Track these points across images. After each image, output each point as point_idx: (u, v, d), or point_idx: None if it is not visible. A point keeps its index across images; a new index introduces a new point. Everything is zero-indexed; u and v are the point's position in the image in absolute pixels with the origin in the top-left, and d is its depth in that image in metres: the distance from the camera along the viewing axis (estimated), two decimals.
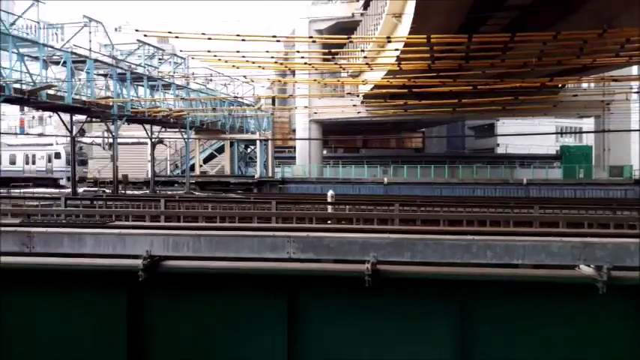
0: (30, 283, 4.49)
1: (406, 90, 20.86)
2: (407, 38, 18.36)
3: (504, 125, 52.30)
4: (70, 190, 25.61)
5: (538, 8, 20.58)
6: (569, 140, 55.90)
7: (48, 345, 4.45)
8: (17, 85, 20.36)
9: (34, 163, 37.14)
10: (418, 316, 4.35)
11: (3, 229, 4.76)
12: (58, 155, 36.94)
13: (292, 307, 4.33)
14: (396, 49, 19.37)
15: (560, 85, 31.86)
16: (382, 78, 23.45)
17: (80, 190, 27.17)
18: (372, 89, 27.26)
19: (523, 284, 4.34)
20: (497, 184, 36.76)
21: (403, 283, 4.34)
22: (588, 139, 48.49)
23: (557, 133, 53.64)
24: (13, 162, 37.43)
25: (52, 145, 37.97)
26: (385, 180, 38.13)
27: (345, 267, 4.36)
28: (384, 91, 24.45)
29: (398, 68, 18.56)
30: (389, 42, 20.72)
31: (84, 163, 38.23)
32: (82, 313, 4.47)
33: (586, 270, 4.24)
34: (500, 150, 55.74)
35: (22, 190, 27.21)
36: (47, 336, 4.46)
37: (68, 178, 34.98)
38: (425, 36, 16.12)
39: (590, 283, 4.11)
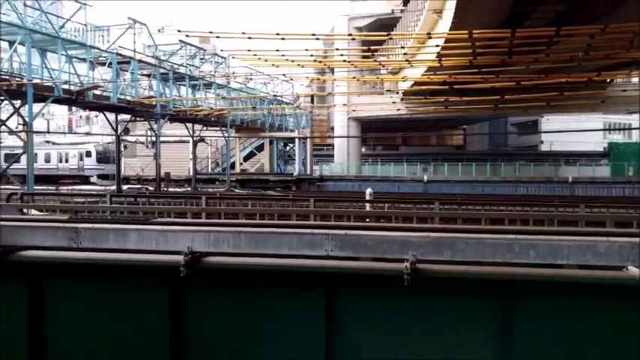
0: (77, 278, 4.64)
1: (447, 86, 20.56)
2: (448, 34, 18.11)
3: (549, 122, 50.87)
4: (97, 187, 26.39)
5: (585, 1, 19.93)
6: (618, 137, 53.92)
7: (92, 339, 4.60)
8: (66, 86, 21.08)
9: (67, 161, 38.38)
10: (458, 315, 4.29)
11: (52, 224, 4.93)
12: (88, 154, 38.18)
13: (330, 305, 4.34)
14: (437, 45, 19.11)
15: (608, 80, 30.76)
16: (422, 74, 23.20)
17: (125, 187, 27.93)
18: (411, 86, 27.01)
19: (567, 285, 4.21)
20: (541, 183, 35.84)
21: (443, 283, 4.28)
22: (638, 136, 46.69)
23: (604, 129, 51.84)
24: (47, 160, 38.78)
25: (83, 144, 39.27)
26: (425, 178, 37.72)
27: (384, 265, 4.33)
28: (424, 87, 24.17)
29: (438, 65, 18.34)
30: (429, 38, 20.46)
31: (114, 161, 39.39)
32: (125, 307, 4.59)
33: (634, 271, 4.09)
34: (544, 147, 54.29)
35: (69, 188, 28.18)
36: (91, 330, 4.61)
37: (98, 176, 36.26)
38: (466, 31, 15.85)
39: (639, 285, 3.96)
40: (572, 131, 32.28)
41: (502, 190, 33.81)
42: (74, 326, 4.62)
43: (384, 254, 4.35)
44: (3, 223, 5.00)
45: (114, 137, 27.96)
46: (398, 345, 4.30)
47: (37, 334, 4.54)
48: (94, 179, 36.46)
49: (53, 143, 41.35)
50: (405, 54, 22.97)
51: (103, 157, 38.27)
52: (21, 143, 19.94)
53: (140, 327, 4.54)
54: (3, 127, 20.33)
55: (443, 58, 18.01)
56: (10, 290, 4.62)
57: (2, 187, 19.57)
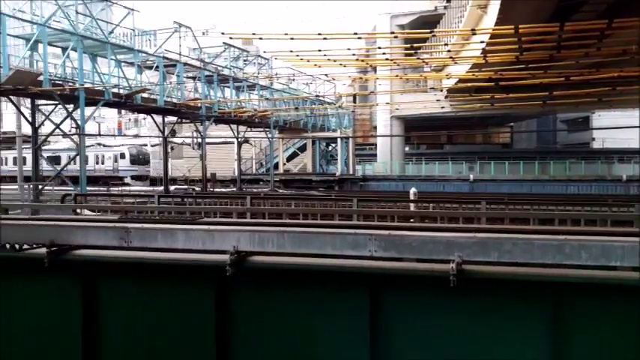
0: (127, 276, 4.79)
1: (493, 83, 20.11)
2: (493, 30, 17.71)
3: (600, 118, 49.01)
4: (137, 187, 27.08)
5: None
6: None
7: (141, 335, 4.73)
8: (115, 90, 21.75)
9: (102, 163, 39.55)
10: (506, 317, 4.19)
11: (104, 224, 5.10)
12: (122, 156, 39.36)
13: (374, 305, 4.32)
14: (482, 42, 18.72)
15: None
16: (467, 71, 22.79)
17: (172, 188, 28.61)
18: (456, 83, 26.56)
19: (621, 288, 4.05)
20: (592, 181, 34.59)
21: (490, 284, 4.20)
22: None
23: None
24: (85, 162, 40.14)
25: (118, 146, 40.51)
26: (471, 177, 37.03)
27: (429, 266, 4.28)
28: (469, 85, 23.71)
29: (484, 61, 17.96)
30: (474, 34, 20.07)
31: (146, 162, 40.70)
32: (172, 305, 4.70)
33: None
34: (596, 144, 52.36)
35: (120, 188, 29.10)
36: (140, 326, 4.74)
37: (132, 177, 37.43)
38: (512, 26, 15.46)
39: None
40: (625, 127, 30.96)
41: (551, 190, 32.82)
42: (124, 322, 4.76)
43: (429, 255, 4.30)
44: (58, 223, 5.21)
45: (161, 139, 28.68)
46: (443, 346, 4.24)
47: (90, 329, 4.71)
48: (127, 180, 37.60)
49: (104, 145, 42.77)
50: (448, 51, 22.61)
51: (136, 159, 39.54)
52: (66, 145, 20.69)
53: (187, 324, 4.64)
54: (57, 130, 21.16)
55: (488, 55, 17.62)
56: (66, 287, 4.81)
57: (57, 188, 20.40)
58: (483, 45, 18.33)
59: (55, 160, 32.00)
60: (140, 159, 39.92)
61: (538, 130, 56.24)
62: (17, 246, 4.68)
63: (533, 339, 4.12)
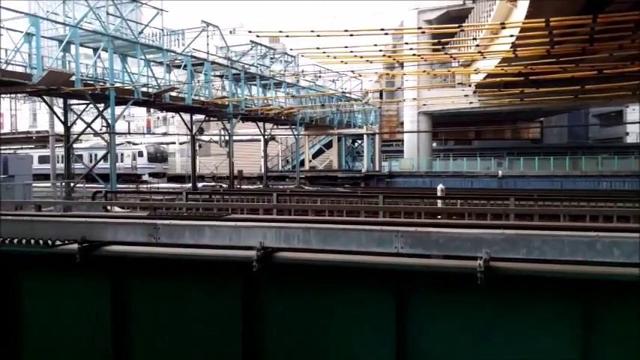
0: (156, 271, 4.87)
1: (522, 78, 19.73)
2: (523, 23, 17.39)
3: (634, 112, 47.68)
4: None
5: None
6: None
7: (169, 329, 4.80)
8: (144, 89, 22.10)
9: (122, 161, 40.28)
10: (534, 315, 4.12)
11: (134, 221, 5.19)
12: (140, 154, 40.06)
13: (400, 302, 4.30)
14: (511, 36, 18.39)
15: None
16: (496, 66, 22.45)
17: (200, 185, 28.96)
18: (484, 78, 26.22)
19: None
20: (626, 177, 33.66)
21: (518, 281, 4.13)
22: None
23: None
24: (106, 159, 40.90)
25: (137, 144, 41.28)
26: (499, 173, 36.46)
27: (456, 263, 4.23)
28: (497, 79, 23.35)
29: (513, 55, 17.64)
30: (503, 28, 19.72)
31: (164, 160, 41.39)
32: (200, 300, 4.76)
33: None
34: (629, 139, 50.97)
35: (148, 186, 29.58)
36: (168, 320, 4.81)
37: (150, 174, 38.16)
38: (543, 20, 15.14)
39: None
40: None
41: (583, 185, 32.10)
42: (152, 317, 4.84)
43: (456, 252, 4.25)
44: (89, 220, 5.33)
45: (189, 137, 29.04)
46: (471, 343, 4.19)
47: (120, 323, 4.80)
48: (145, 177, 38.28)
49: (133, 144, 43.56)
50: (477, 45, 22.26)
51: (153, 157, 40.26)
52: (86, 145, 21.08)
53: (214, 319, 4.69)
54: (88, 128, 21.61)
55: (518, 49, 17.30)
56: (96, 282, 4.91)
57: (87, 185, 20.85)
58: (513, 39, 18.01)
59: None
60: (158, 157, 40.72)
61: (569, 125, 55.06)
62: (50, 242, 4.79)
63: (563, 337, 4.05)
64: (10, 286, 4.96)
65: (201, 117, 29.56)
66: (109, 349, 4.73)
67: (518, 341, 4.12)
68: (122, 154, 40.32)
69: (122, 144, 40.47)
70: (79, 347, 4.91)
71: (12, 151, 37.01)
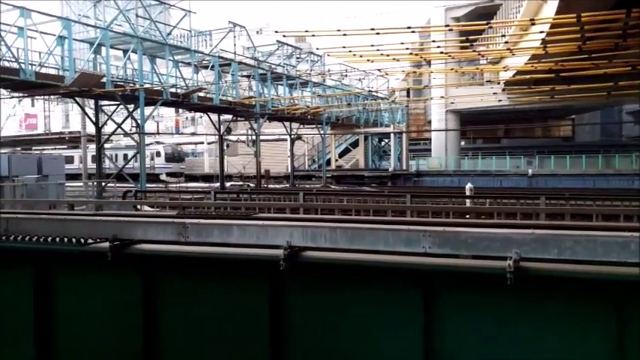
0: (185, 270, 4.93)
1: (553, 75, 19.36)
2: (553, 19, 17.06)
3: None
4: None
5: None
6: None
7: (197, 326, 4.86)
8: (173, 90, 22.40)
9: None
10: (565, 316, 4.04)
11: (163, 220, 5.27)
12: (158, 154, 40.74)
13: (427, 302, 4.26)
14: (541, 32, 18.07)
15: None
16: (525, 63, 22.06)
17: (227, 184, 29.22)
18: (514, 75, 25.80)
19: None
20: None
21: (549, 282, 4.05)
22: None
23: None
24: (125, 159, 41.61)
25: (153, 144, 42.00)
26: (530, 172, 35.84)
27: (484, 263, 4.17)
28: (527, 77, 22.95)
29: (543, 52, 17.32)
30: (533, 24, 19.39)
31: (181, 160, 41.99)
32: (228, 298, 4.81)
33: None
34: None
35: (177, 185, 29.99)
36: (196, 318, 4.87)
37: (167, 174, 38.85)
38: (574, 15, 14.83)
39: None
40: None
41: (616, 184, 31.29)
42: (181, 315, 4.91)
43: (485, 251, 4.20)
44: (120, 218, 5.43)
45: (217, 137, 29.33)
46: (499, 344, 4.13)
47: (150, 320, 4.88)
48: (163, 177, 38.91)
49: (162, 143, 44.25)
50: (506, 42, 21.97)
51: (171, 157, 40.95)
52: (108, 145, 21.38)
53: (242, 317, 4.73)
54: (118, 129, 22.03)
55: (548, 45, 16.98)
56: (127, 280, 5.00)
57: (118, 185, 21.25)
58: (543, 35, 17.69)
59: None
60: (175, 157, 41.45)
61: (602, 123, 53.76)
62: (82, 240, 4.90)
63: (595, 340, 3.96)
64: (45, 283, 5.09)
65: (229, 117, 29.82)
66: (139, 344, 4.81)
67: (548, 342, 4.05)
68: (126, 155, 41.21)
69: (151, 144, 41.15)
70: (109, 344, 5.01)
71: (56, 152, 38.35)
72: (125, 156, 40.54)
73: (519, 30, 22.35)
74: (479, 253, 4.24)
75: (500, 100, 28.96)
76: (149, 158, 41.00)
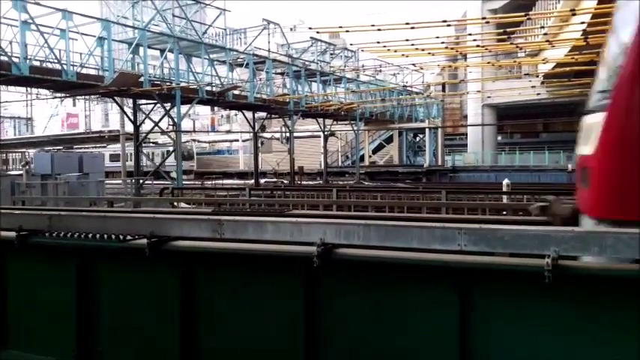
0: (220, 267, 4.99)
1: (594, 67, 18.82)
2: (595, 9, 16.56)
3: None
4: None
5: None
6: None
7: (233, 322, 4.92)
8: (208, 88, 22.71)
9: (152, 160, 41.81)
10: (609, 318, 3.92)
11: (199, 217, 5.35)
12: (168, 152, 41.31)
13: (463, 301, 4.20)
14: (582, 22, 17.55)
15: None
16: (565, 55, 21.49)
17: (262, 181, 29.48)
18: (553, 68, 25.17)
19: None
20: None
21: (590, 281, 3.94)
22: None
23: None
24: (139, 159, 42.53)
25: (202, 142, 42.62)
26: (569, 167, 34.92)
27: (522, 261, 4.08)
28: (567, 69, 22.34)
29: (584, 43, 16.83)
30: (573, 15, 18.85)
31: (190, 157, 42.57)
32: (262, 294, 4.85)
33: None
34: None
35: (213, 182, 30.42)
36: (232, 314, 4.92)
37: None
38: None
39: None
40: None
41: None
42: (217, 311, 4.98)
43: (523, 249, 4.10)
44: (157, 215, 5.53)
45: (252, 134, 29.61)
46: (538, 344, 4.05)
47: (188, 315, 4.97)
48: (173, 174, 39.65)
49: (198, 141, 45.01)
50: (545, 34, 21.43)
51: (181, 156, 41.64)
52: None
53: (276, 312, 4.76)
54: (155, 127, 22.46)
55: (589, 36, 16.50)
56: (164, 276, 5.10)
57: (155, 182, 21.71)
58: (584, 26, 17.19)
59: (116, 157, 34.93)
60: (184, 155, 42.10)
61: None
62: (121, 236, 5.02)
63: (635, 342, 3.83)
64: (87, 277, 5.24)
65: (264, 114, 30.05)
66: (176, 338, 4.90)
67: (589, 344, 3.94)
68: (152, 153, 42.06)
69: (187, 142, 41.89)
70: (147, 338, 5.12)
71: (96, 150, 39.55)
72: (163, 154, 41.55)
73: (559, 21, 21.76)
74: (516, 251, 4.15)
75: (538, 94, 28.28)
76: (160, 157, 41.88)
